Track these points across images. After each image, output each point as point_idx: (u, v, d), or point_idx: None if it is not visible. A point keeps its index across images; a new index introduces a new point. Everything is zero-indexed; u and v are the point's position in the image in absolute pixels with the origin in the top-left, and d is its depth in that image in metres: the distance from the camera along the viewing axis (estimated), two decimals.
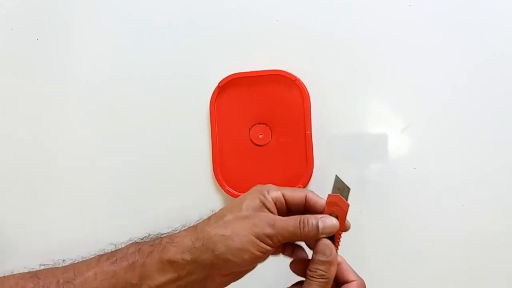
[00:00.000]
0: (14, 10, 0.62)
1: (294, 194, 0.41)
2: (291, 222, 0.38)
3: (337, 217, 0.39)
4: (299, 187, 0.54)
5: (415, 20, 0.54)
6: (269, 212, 0.39)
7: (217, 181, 0.56)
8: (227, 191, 0.56)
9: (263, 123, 0.55)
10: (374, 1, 0.55)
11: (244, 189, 0.55)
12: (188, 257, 0.38)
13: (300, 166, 0.54)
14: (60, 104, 0.61)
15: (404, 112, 0.55)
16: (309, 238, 0.39)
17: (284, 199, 0.40)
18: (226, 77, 0.55)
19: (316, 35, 0.56)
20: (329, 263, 0.38)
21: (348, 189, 0.40)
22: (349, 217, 0.55)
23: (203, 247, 0.38)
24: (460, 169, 0.53)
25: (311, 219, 0.38)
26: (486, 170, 0.52)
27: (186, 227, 0.42)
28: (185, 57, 0.58)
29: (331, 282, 0.38)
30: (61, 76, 0.61)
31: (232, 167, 0.56)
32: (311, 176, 0.54)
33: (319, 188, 0.55)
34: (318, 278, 0.37)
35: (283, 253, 0.44)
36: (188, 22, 0.58)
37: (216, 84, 0.56)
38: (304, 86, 0.54)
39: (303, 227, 0.38)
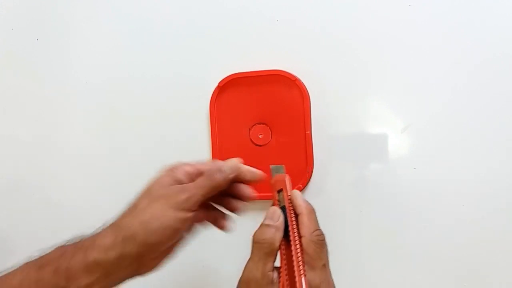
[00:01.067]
0: (14, 10, 0.62)
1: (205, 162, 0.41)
2: (199, 179, 0.39)
3: (282, 190, 0.41)
4: (299, 187, 0.54)
5: (415, 20, 0.54)
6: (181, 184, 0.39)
7: None
8: None
9: (263, 123, 0.55)
10: (374, 1, 0.55)
11: None
12: (112, 254, 0.37)
13: (300, 166, 0.54)
14: (60, 104, 0.61)
15: (404, 112, 0.55)
16: (222, 182, 0.39)
17: (197, 168, 0.40)
18: (226, 77, 0.55)
19: (316, 35, 0.56)
20: (275, 227, 0.38)
21: (282, 166, 0.43)
22: (350, 217, 0.55)
23: (125, 240, 0.37)
24: (460, 169, 0.53)
25: (215, 167, 0.39)
26: (486, 170, 0.52)
27: (106, 225, 0.41)
28: (185, 57, 0.58)
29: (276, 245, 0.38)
30: (61, 76, 0.61)
31: None
32: (311, 176, 0.54)
33: (320, 188, 0.55)
34: (263, 243, 0.38)
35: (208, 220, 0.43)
36: (188, 22, 0.58)
37: (216, 84, 0.56)
38: (304, 86, 0.54)
39: (211, 175, 0.39)
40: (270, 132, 0.55)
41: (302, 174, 0.54)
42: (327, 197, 0.55)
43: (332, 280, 0.38)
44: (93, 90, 0.61)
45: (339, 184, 0.55)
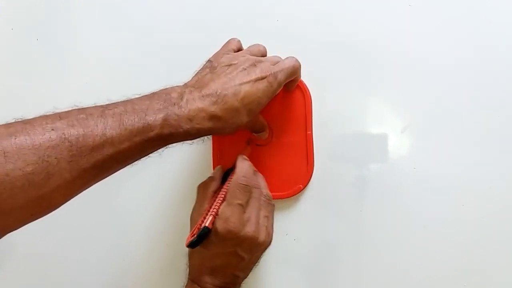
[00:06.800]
0: (14, 10, 0.62)
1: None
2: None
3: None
4: (299, 187, 0.54)
5: (415, 20, 0.54)
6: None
7: None
8: None
9: None
10: (375, 2, 0.55)
11: None
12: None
13: (301, 166, 0.54)
14: (60, 104, 0.61)
15: (404, 112, 0.55)
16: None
17: None
18: None
19: (317, 35, 0.56)
20: (211, 178, 0.50)
21: (251, 139, 0.54)
22: (350, 217, 0.55)
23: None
24: (460, 169, 0.53)
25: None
26: (486, 170, 0.52)
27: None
28: (186, 57, 0.58)
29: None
30: (61, 76, 0.61)
31: None
32: (311, 176, 0.54)
33: (320, 189, 0.55)
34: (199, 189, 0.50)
35: None
36: (188, 23, 0.58)
37: None
38: (306, 86, 0.54)
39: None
40: (271, 132, 0.55)
41: (303, 174, 0.54)
42: (327, 197, 0.55)
43: (254, 224, 0.44)
44: (93, 90, 0.61)
45: (339, 184, 0.55)
